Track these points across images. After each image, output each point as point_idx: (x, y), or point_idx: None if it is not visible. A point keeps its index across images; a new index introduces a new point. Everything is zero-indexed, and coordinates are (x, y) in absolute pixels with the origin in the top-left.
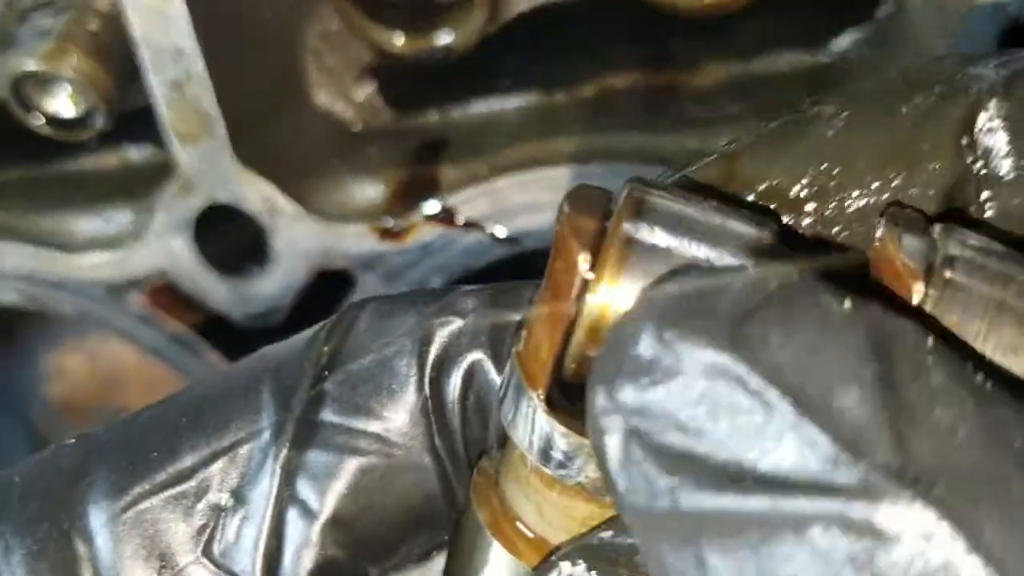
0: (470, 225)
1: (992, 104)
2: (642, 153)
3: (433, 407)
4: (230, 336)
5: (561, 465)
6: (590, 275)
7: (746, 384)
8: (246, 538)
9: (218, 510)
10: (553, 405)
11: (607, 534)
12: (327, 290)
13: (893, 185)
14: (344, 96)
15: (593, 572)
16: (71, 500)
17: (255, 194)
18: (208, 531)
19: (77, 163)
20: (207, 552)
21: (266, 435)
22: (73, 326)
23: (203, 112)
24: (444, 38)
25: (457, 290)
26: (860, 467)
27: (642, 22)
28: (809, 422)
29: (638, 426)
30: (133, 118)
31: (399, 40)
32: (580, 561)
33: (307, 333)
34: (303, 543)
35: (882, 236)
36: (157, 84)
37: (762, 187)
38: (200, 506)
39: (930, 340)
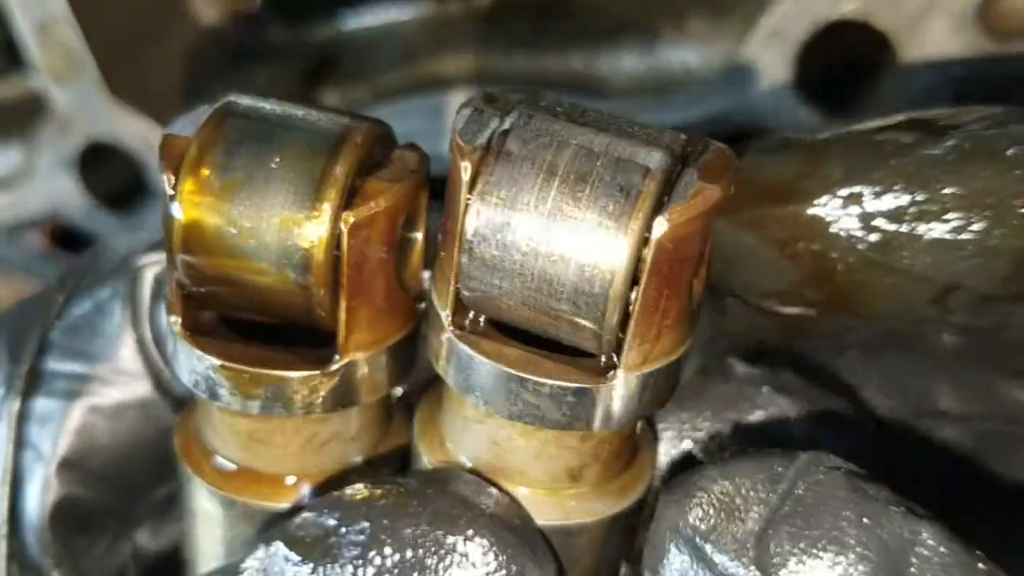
0: None
1: None
2: (524, 76)
3: (156, 343)
4: None
5: (215, 392)
6: (176, 189)
7: None
8: None
9: None
10: (195, 330)
11: (309, 515)
12: None
13: (976, 228)
14: (233, 9)
15: (292, 552)
16: None
17: (131, 130)
18: None
19: None
20: None
21: (0, 390)
22: None
23: (72, 51)
24: None
25: None
26: None
27: None
28: None
29: None
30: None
31: None
32: (278, 542)
33: (49, 285)
34: (41, 485)
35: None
36: (23, 26)
37: (846, 190)
38: None
39: (943, 549)
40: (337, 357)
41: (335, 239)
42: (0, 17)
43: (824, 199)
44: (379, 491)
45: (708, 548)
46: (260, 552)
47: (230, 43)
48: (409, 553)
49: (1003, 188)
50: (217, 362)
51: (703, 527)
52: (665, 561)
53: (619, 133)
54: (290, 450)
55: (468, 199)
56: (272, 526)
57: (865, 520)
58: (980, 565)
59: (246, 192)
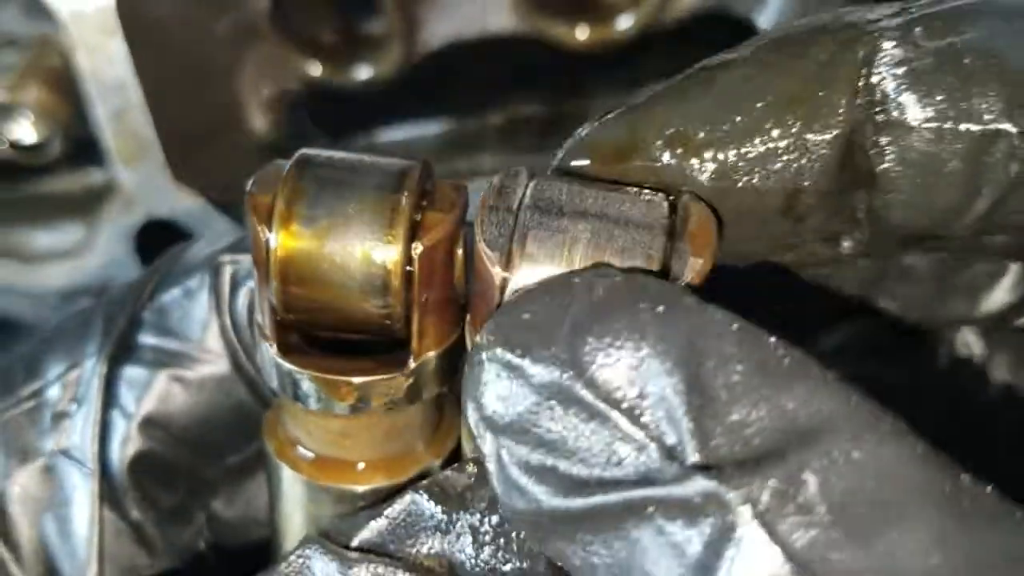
0: None
1: (888, 49)
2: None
3: (234, 329)
4: None
5: (306, 399)
6: (272, 239)
7: (583, 402)
8: (84, 434)
9: (64, 415)
10: (287, 350)
11: (451, 474)
12: None
13: (792, 131)
14: (278, 124)
15: (431, 502)
16: None
17: (188, 209)
18: (58, 431)
19: (39, 185)
20: (59, 444)
21: (94, 357)
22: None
23: (142, 137)
24: (364, 70)
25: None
26: (676, 466)
27: (545, 57)
28: (638, 431)
29: (504, 440)
30: (90, 144)
31: (321, 72)
32: (424, 492)
33: (139, 276)
34: (124, 437)
35: (476, 219)
36: (101, 113)
37: (669, 132)
38: (51, 413)
39: (735, 327)
40: (411, 360)
41: (407, 263)
42: (79, 114)
43: (657, 145)
44: None
45: (526, 364)
46: (407, 497)
47: (277, 150)
48: None
49: (805, 88)
50: (314, 375)
51: (517, 345)
52: (485, 389)
53: (617, 215)
54: (374, 441)
55: (502, 296)
56: (347, 502)
57: (661, 308)
58: (771, 338)
59: (332, 235)
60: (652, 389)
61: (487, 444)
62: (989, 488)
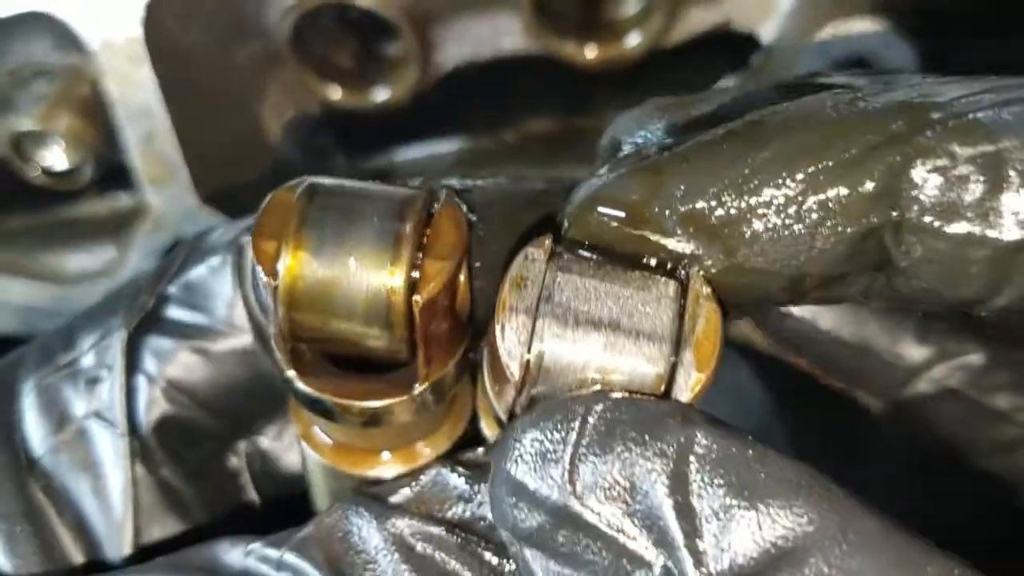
0: None
1: (923, 155)
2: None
3: (259, 305)
4: None
5: (323, 412)
6: (280, 266)
7: (588, 524)
8: (113, 399)
9: (97, 380)
10: (302, 372)
11: (474, 452)
12: None
13: (807, 226)
14: (301, 145)
15: (455, 475)
16: (12, 379)
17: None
18: (91, 395)
19: (72, 209)
20: (91, 407)
21: (121, 329)
22: None
23: (170, 161)
24: (381, 92)
25: None
26: (676, 568)
27: (556, 76)
28: (639, 551)
29: (527, 548)
30: (120, 168)
31: (340, 95)
32: (449, 465)
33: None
34: (149, 401)
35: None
36: (130, 138)
37: (683, 209)
38: (85, 379)
39: (715, 449)
40: (418, 385)
41: (409, 298)
42: (109, 140)
43: (672, 221)
44: None
45: (537, 487)
46: (433, 471)
47: (300, 170)
48: None
49: (828, 182)
50: (333, 399)
51: (528, 470)
52: (505, 505)
53: (629, 326)
54: (390, 437)
55: (518, 397)
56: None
57: (647, 437)
58: (749, 452)
59: (336, 264)
60: (647, 514)
61: (514, 547)
62: None
